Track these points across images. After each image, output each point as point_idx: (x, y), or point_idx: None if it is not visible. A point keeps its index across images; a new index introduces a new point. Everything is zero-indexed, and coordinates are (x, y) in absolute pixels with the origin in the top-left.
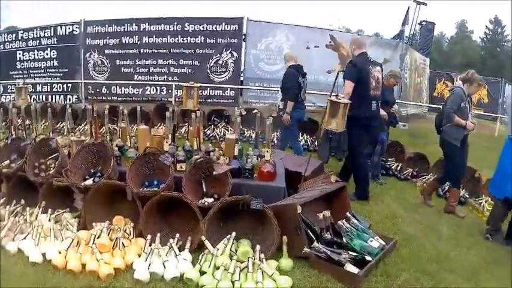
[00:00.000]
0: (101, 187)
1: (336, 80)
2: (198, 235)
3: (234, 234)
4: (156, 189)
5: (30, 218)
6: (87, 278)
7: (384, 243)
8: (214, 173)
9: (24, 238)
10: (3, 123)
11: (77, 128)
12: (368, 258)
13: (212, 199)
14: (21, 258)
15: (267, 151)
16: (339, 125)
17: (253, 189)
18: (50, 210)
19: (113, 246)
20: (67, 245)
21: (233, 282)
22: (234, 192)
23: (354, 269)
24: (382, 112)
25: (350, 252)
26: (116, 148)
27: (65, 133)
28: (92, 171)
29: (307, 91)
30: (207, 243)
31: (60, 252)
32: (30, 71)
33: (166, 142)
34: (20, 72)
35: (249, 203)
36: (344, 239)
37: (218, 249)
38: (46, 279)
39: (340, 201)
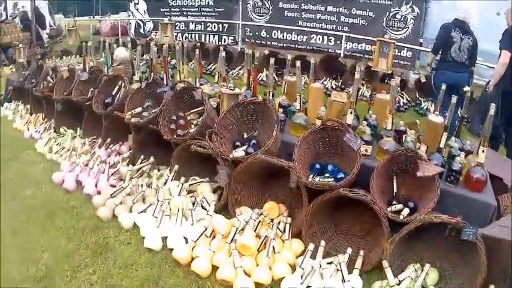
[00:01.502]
0: (255, 163)
1: None
2: (376, 252)
3: (427, 267)
4: (332, 182)
5: (156, 183)
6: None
7: None
8: (418, 173)
9: (144, 211)
10: (144, 63)
11: (230, 72)
12: None
13: (407, 209)
14: (134, 237)
15: (483, 150)
16: None
17: (455, 202)
18: (182, 179)
19: (259, 248)
20: (197, 234)
21: None
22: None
23: None
24: None
25: None
26: (280, 110)
27: (216, 80)
28: (245, 136)
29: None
30: (389, 273)
31: (186, 243)
32: (183, 9)
33: (351, 113)
34: (172, 9)
35: (460, 229)
36: None
37: (401, 283)
38: (160, 276)
39: None
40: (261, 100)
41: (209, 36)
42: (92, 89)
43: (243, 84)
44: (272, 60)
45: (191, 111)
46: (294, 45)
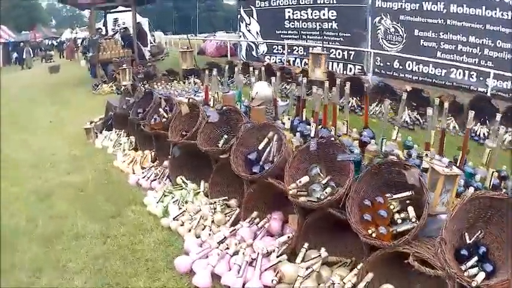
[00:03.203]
0: None
1: None
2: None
3: None
4: None
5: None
6: None
7: None
8: None
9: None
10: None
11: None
12: None
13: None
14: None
15: None
16: None
17: None
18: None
19: None
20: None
21: None
22: None
23: None
24: None
25: None
26: None
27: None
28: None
29: None
30: None
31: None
32: (302, 32)
33: None
34: (290, 32)
35: None
36: None
37: None
38: None
39: None
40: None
41: (332, 64)
42: (225, 136)
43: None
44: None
45: (395, 196)
46: (430, 80)
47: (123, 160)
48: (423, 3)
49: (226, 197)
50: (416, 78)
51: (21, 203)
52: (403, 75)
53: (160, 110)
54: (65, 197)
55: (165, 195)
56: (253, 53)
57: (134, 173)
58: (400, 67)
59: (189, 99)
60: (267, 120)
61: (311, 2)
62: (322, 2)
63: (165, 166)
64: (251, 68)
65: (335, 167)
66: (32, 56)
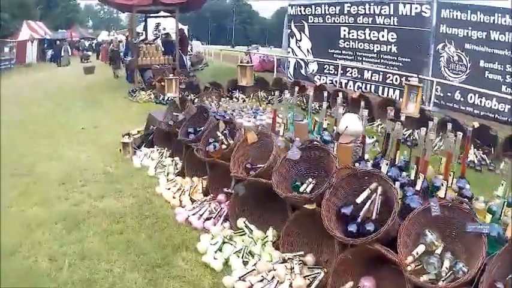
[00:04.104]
0: None
1: None
2: None
3: None
4: None
5: None
6: None
7: None
8: None
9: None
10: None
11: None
12: None
13: None
14: None
15: None
16: None
17: None
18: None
19: None
20: None
21: None
22: None
23: None
24: None
25: None
26: None
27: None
28: None
29: None
30: None
31: None
32: (358, 53)
33: None
34: (344, 52)
35: None
36: None
37: None
38: None
39: None
40: None
41: (388, 90)
42: (310, 180)
43: None
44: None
45: None
46: (493, 115)
47: (168, 187)
48: (490, 31)
49: (302, 252)
50: (478, 112)
51: (45, 231)
52: (463, 108)
53: (218, 133)
54: (98, 229)
55: (224, 242)
56: (302, 71)
57: (182, 206)
58: (462, 99)
59: (258, 126)
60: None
61: (369, 22)
62: (381, 22)
63: (220, 200)
64: (340, 96)
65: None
66: (69, 54)
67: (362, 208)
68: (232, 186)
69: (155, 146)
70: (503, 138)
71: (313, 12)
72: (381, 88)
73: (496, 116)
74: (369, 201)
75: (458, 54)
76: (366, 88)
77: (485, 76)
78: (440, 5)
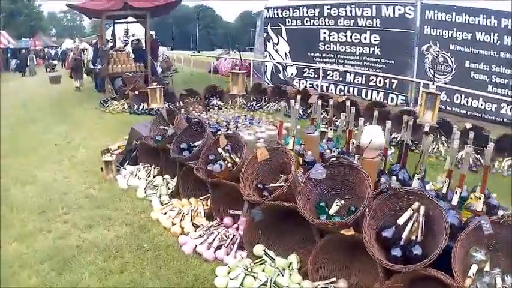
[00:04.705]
0: None
1: None
2: None
3: None
4: None
5: None
6: None
7: None
8: None
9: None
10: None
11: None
12: None
13: None
14: None
15: None
16: None
17: None
18: None
19: None
20: None
21: None
22: None
23: None
24: None
25: None
26: None
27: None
28: None
29: None
30: None
31: None
32: (339, 56)
33: None
34: (324, 55)
35: None
36: None
37: None
38: None
39: None
40: None
41: (371, 92)
42: (339, 200)
43: None
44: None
45: None
46: (480, 115)
47: (164, 211)
48: (476, 32)
49: (334, 278)
50: (465, 112)
51: (31, 274)
52: (449, 109)
53: (220, 150)
54: (93, 269)
55: (246, 275)
56: (280, 75)
57: (185, 234)
58: (448, 100)
59: (269, 141)
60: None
61: (351, 24)
62: (363, 24)
63: (227, 224)
64: (347, 105)
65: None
66: (35, 63)
67: (403, 230)
68: (246, 211)
69: (140, 163)
70: (495, 138)
71: (290, 15)
72: (364, 91)
73: (483, 115)
74: (411, 222)
75: (444, 55)
76: (348, 91)
77: (471, 76)
78: (424, 7)
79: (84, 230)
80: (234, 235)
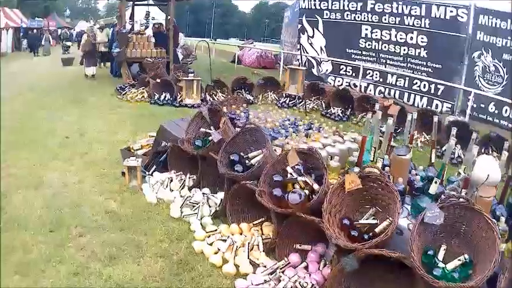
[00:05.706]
0: None
1: None
2: None
3: None
4: None
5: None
6: None
7: None
8: None
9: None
10: None
11: None
12: None
13: None
14: None
15: None
16: None
17: None
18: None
19: None
20: None
21: None
22: None
23: None
24: None
25: None
26: None
27: None
28: None
29: None
30: None
31: None
32: (381, 55)
33: None
34: (364, 52)
35: None
36: None
37: None
38: None
39: None
40: None
41: (414, 97)
42: (462, 257)
43: None
44: None
45: None
46: None
47: (210, 241)
48: None
49: None
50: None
51: None
52: (497, 121)
53: (289, 169)
54: None
55: None
56: (314, 70)
57: (242, 276)
58: (496, 111)
59: (363, 168)
60: None
61: (396, 22)
62: (411, 24)
63: (294, 264)
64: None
65: None
66: (50, 43)
67: None
68: (332, 255)
69: (172, 171)
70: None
71: (329, 7)
72: (406, 94)
73: None
74: None
75: (496, 64)
76: (389, 93)
77: None
78: (478, 11)
79: (106, 263)
80: (313, 285)
